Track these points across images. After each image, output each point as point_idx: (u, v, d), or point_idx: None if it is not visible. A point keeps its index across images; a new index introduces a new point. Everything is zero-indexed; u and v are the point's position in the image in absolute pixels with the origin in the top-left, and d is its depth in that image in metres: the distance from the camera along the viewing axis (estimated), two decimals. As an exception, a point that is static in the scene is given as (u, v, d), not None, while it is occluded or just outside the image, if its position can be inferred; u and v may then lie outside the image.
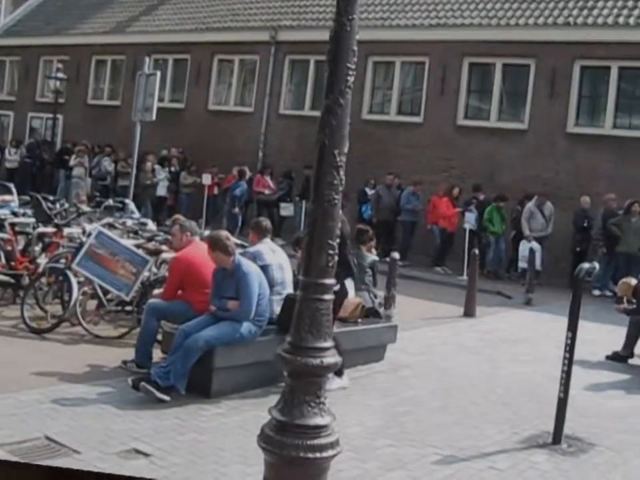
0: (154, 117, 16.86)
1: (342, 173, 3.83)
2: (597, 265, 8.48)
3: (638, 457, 7.72)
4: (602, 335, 13.27)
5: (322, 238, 3.80)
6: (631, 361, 11.87)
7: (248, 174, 23.00)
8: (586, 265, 8.09)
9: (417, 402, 8.85)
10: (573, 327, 7.75)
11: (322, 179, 3.78)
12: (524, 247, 18.40)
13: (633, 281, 12.63)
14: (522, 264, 18.16)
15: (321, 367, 3.80)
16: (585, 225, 18.86)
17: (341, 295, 9.10)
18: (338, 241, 3.81)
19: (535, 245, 18.28)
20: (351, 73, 3.75)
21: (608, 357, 11.97)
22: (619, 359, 11.90)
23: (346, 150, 3.87)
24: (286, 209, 22.85)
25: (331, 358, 3.85)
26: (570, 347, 7.75)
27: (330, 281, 3.88)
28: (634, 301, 12.41)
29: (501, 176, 20.93)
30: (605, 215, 18.54)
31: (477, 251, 15.66)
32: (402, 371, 10.12)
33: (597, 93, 20.87)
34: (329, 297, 3.89)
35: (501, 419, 8.43)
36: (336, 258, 3.89)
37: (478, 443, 7.57)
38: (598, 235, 18.64)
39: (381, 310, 10.92)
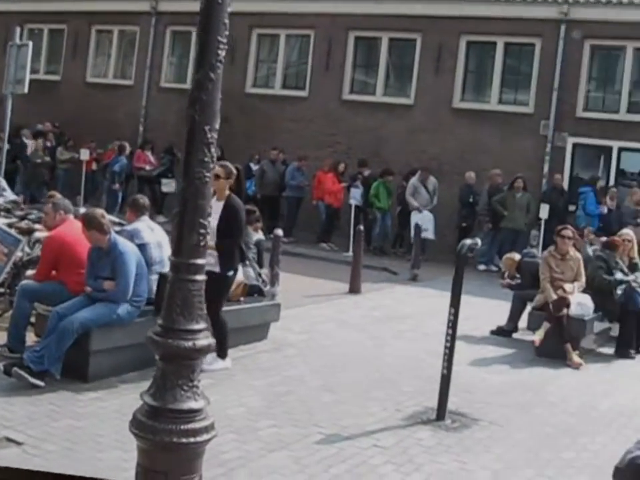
0: (26, 90, 16.37)
1: (213, 150, 3.77)
2: (479, 241, 8.62)
3: (520, 431, 7.93)
4: (487, 310, 13.55)
5: (193, 217, 3.74)
6: (514, 336, 12.19)
7: (128, 149, 22.68)
8: (468, 241, 8.23)
9: (300, 381, 8.88)
10: (455, 303, 7.89)
11: (193, 156, 3.71)
12: (416, 217, 18.51)
13: (517, 256, 12.97)
14: (423, 234, 18.15)
15: (193, 349, 3.75)
16: (471, 200, 19.23)
17: (231, 279, 9.13)
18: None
19: (427, 214, 18.53)
20: (222, 46, 3.69)
21: (492, 332, 12.25)
22: (503, 333, 12.20)
23: (217, 126, 3.82)
24: (167, 185, 22.51)
25: (204, 340, 3.81)
26: (453, 323, 7.88)
27: (202, 260, 3.83)
28: (518, 276, 12.74)
29: (386, 151, 21.12)
30: (490, 191, 18.95)
31: (362, 227, 15.75)
32: (285, 350, 10.13)
33: (483, 68, 21.27)
34: (201, 277, 3.84)
35: (384, 396, 8.53)
36: (208, 237, 3.85)
37: (362, 421, 7.65)
38: (483, 211, 19.03)
39: (265, 288, 10.90)
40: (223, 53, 3.72)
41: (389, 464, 6.71)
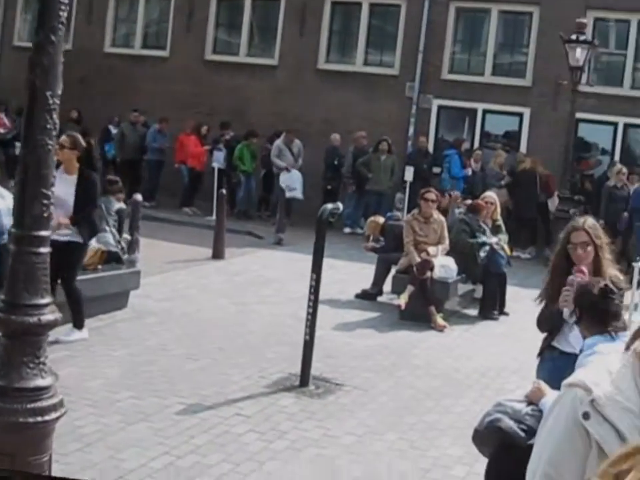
0: None
1: (55, 116, 3.65)
2: (340, 206, 8.67)
3: (384, 395, 8.08)
4: (352, 274, 13.68)
5: (35, 187, 3.63)
6: (379, 299, 12.37)
7: (-21, 111, 21.88)
8: (329, 206, 8.27)
9: (162, 350, 8.82)
10: (317, 269, 7.94)
11: (34, 123, 3.60)
12: (284, 177, 18.49)
13: (381, 220, 13.11)
14: (290, 193, 18.10)
15: (38, 325, 3.66)
16: (336, 162, 19.31)
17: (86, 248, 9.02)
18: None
19: (296, 173, 18.53)
20: (63, 8, 3.57)
21: (357, 296, 12.39)
22: (368, 297, 12.36)
23: (60, 91, 3.70)
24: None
25: (50, 315, 3.72)
26: (315, 289, 7.94)
27: (46, 232, 3.73)
28: (382, 239, 12.89)
29: (250, 113, 20.99)
30: (355, 153, 19.07)
31: (224, 191, 15.64)
32: (146, 318, 10.03)
33: (348, 29, 21.31)
34: (46, 249, 3.74)
35: (248, 363, 8.56)
36: (51, 208, 3.75)
37: (224, 390, 7.67)
38: (348, 173, 19.15)
39: (124, 255, 10.73)
40: (64, 15, 3.60)
41: (251, 432, 6.75)
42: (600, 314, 4.71)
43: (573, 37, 16.91)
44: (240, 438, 6.60)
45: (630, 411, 1.96)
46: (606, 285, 4.76)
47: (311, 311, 7.97)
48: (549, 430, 2.05)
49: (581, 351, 4.82)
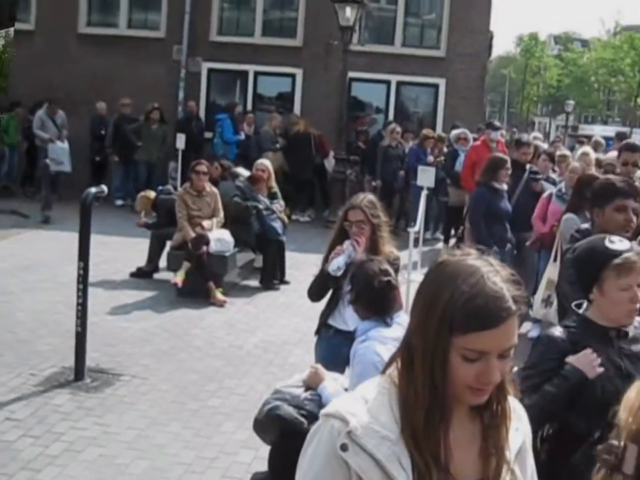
0: None
1: None
2: (104, 188, 8.48)
3: (165, 381, 8.05)
4: (126, 251, 13.57)
5: None
6: (155, 277, 12.27)
7: None
8: (93, 190, 8.09)
9: None
10: (84, 257, 7.78)
11: None
12: (51, 150, 17.96)
13: (152, 194, 12.94)
14: (56, 167, 17.50)
15: None
16: (103, 132, 18.89)
17: None
18: None
19: (62, 145, 18.02)
20: None
21: (132, 274, 12.26)
22: (144, 275, 12.25)
23: None
24: None
25: None
26: (83, 278, 7.77)
27: None
28: (154, 214, 12.74)
29: (9, 81, 20.24)
30: (117, 122, 18.75)
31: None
32: None
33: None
34: None
35: (17, 360, 8.28)
36: None
37: (-8, 392, 7.41)
38: (109, 142, 18.89)
39: None
40: None
41: (25, 437, 6.54)
42: (376, 299, 4.89)
43: None
44: (12, 445, 6.38)
45: (387, 438, 2.06)
46: (384, 278, 4.92)
47: (81, 301, 7.80)
48: (309, 461, 2.13)
49: (355, 332, 5.00)
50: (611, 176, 6.74)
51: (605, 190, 5.74)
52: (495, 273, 2.10)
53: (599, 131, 46.31)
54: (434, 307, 2.09)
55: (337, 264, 5.85)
